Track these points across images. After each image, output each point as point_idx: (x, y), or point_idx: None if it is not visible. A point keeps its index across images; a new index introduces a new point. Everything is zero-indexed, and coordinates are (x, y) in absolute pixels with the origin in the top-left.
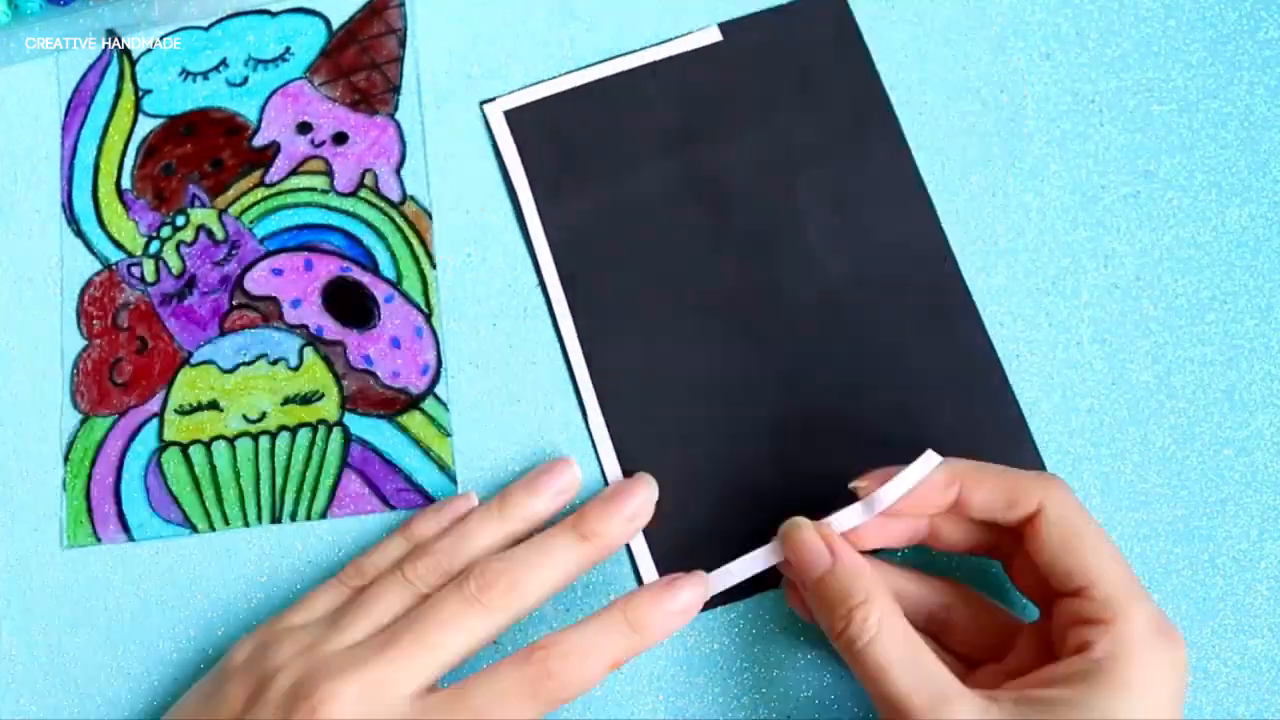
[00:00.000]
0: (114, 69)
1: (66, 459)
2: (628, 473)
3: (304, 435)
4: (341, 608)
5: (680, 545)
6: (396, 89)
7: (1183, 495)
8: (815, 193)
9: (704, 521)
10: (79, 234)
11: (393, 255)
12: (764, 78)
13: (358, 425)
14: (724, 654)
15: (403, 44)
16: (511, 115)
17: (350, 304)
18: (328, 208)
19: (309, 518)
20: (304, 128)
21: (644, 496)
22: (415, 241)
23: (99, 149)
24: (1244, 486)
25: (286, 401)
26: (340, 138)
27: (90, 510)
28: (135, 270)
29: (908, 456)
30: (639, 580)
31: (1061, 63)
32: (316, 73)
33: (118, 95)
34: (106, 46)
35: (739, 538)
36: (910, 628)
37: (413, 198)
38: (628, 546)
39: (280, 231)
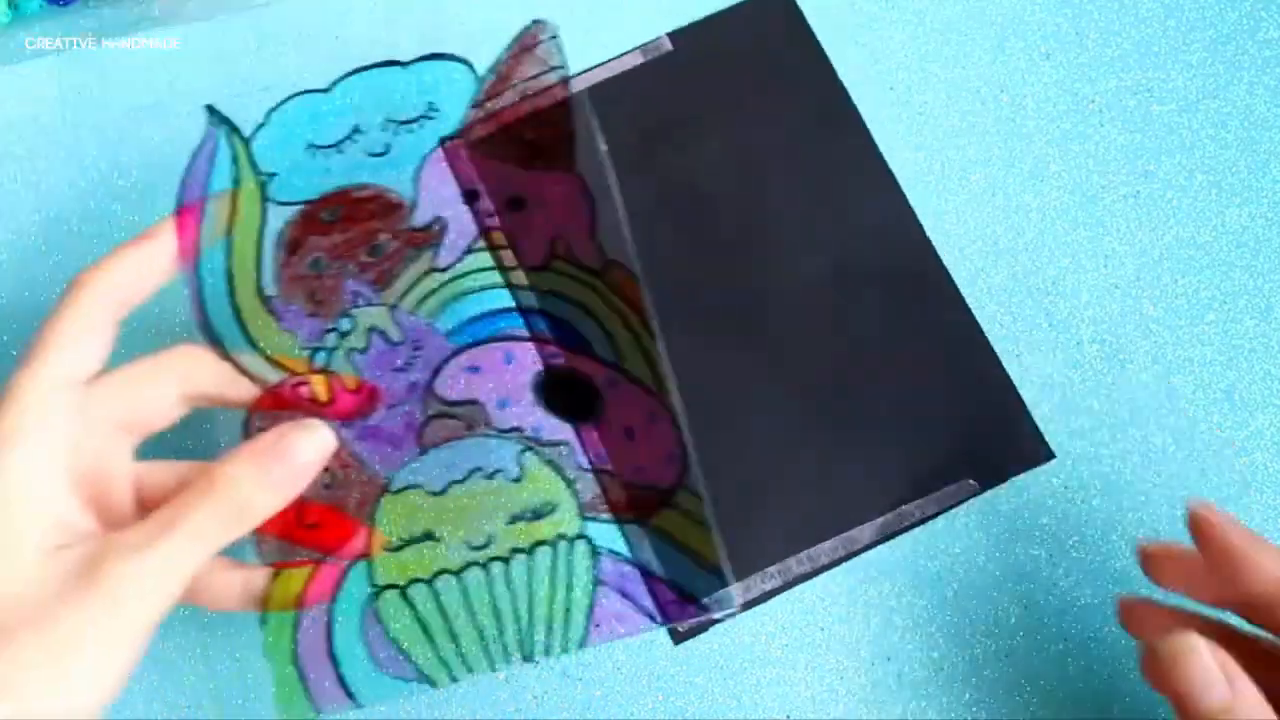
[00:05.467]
0: (224, 152)
1: (263, 621)
2: None
3: (543, 556)
4: None
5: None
6: (571, 137)
7: (1183, 495)
8: (787, 192)
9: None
10: (226, 357)
11: (605, 331)
12: (720, 83)
13: (603, 535)
14: (724, 654)
15: (566, 84)
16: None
17: (568, 396)
18: (517, 287)
19: (565, 650)
20: (471, 196)
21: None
22: (627, 311)
23: (227, 252)
24: (1244, 487)
25: (514, 520)
26: (516, 203)
27: (303, 678)
28: (302, 391)
29: (911, 452)
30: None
31: (1061, 63)
32: (472, 128)
33: (236, 184)
34: (210, 130)
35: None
36: None
37: (615, 261)
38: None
39: (467, 323)
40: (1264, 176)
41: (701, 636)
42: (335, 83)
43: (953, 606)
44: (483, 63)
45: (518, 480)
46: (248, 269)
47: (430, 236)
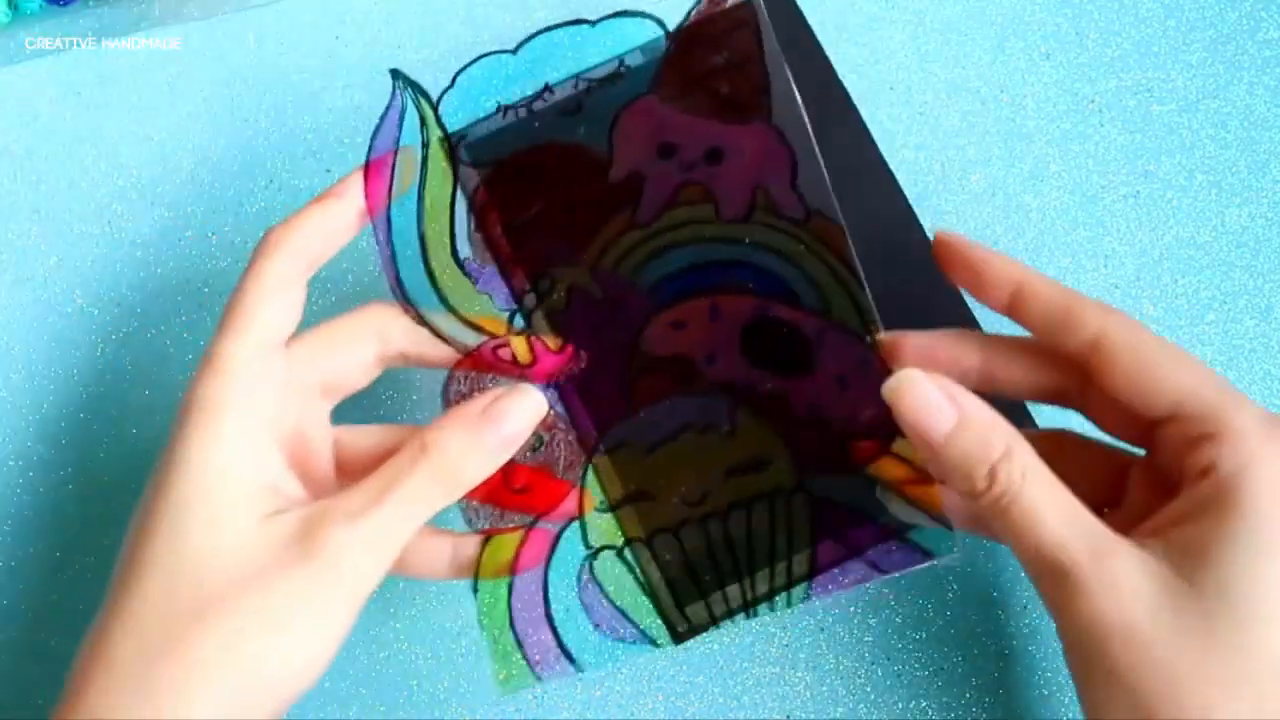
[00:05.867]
0: (411, 116)
1: (475, 589)
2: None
3: (761, 510)
4: None
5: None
6: (766, 89)
7: None
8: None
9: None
10: (422, 321)
11: (812, 281)
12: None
13: (821, 486)
14: (724, 654)
15: (759, 37)
16: None
17: (778, 348)
18: (720, 240)
19: (789, 604)
20: (667, 150)
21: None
22: (833, 260)
23: (419, 215)
24: None
25: (730, 475)
26: (713, 155)
27: (520, 645)
28: (503, 353)
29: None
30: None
31: (1061, 63)
32: (664, 85)
33: (425, 146)
34: (396, 92)
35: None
36: (1053, 476)
37: (818, 211)
38: None
39: (670, 278)
40: (1264, 176)
41: (701, 636)
42: (522, 43)
43: (953, 606)
44: (674, 18)
45: (730, 435)
46: (441, 231)
47: (628, 193)
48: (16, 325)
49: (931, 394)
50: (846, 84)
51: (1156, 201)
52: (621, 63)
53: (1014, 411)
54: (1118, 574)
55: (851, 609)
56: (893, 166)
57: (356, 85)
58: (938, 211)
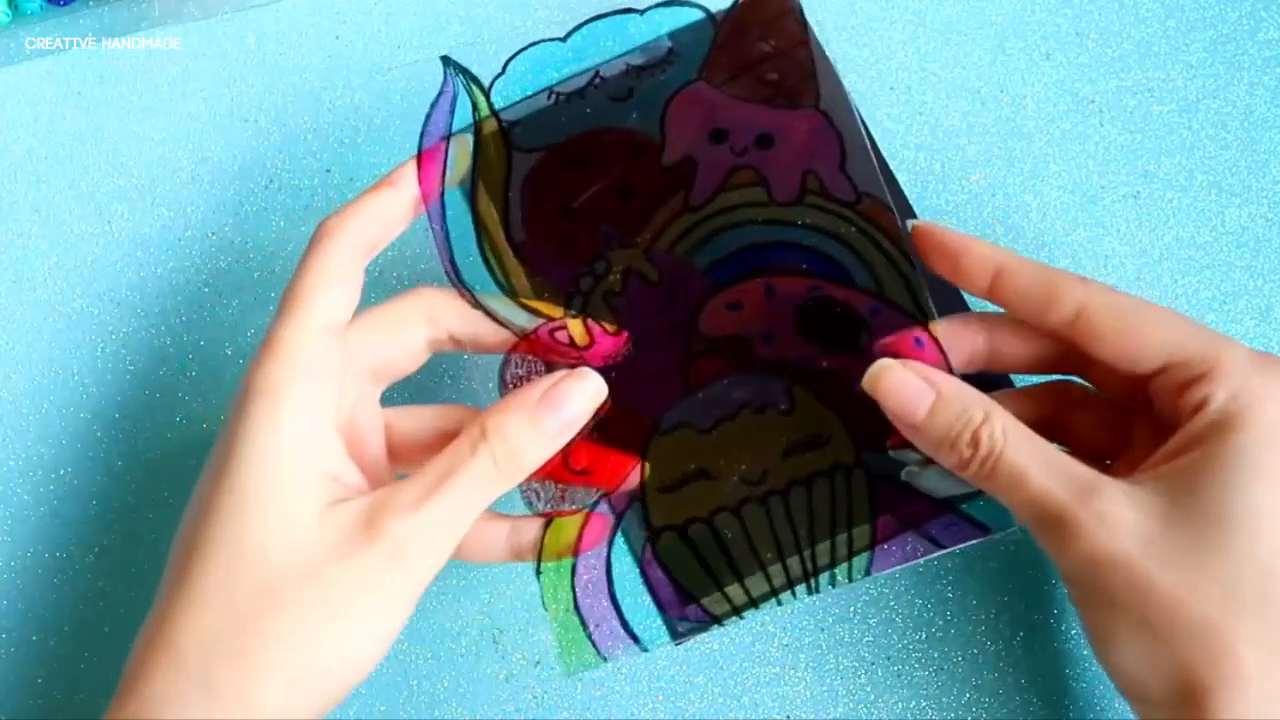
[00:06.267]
0: (463, 102)
1: (538, 572)
2: None
3: (820, 487)
4: None
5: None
6: (812, 75)
7: None
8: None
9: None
10: (478, 304)
11: (863, 261)
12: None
13: (879, 462)
14: (724, 654)
15: (803, 21)
16: None
17: (832, 326)
18: (772, 222)
19: (851, 579)
20: (718, 135)
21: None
22: (884, 241)
23: (473, 201)
24: None
25: (789, 452)
26: (764, 140)
27: (585, 626)
28: (560, 335)
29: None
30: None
31: (1061, 63)
32: (713, 71)
33: (478, 132)
34: (448, 78)
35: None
36: (1031, 431)
37: (867, 194)
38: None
39: (724, 259)
40: (1264, 176)
41: (701, 636)
42: (572, 31)
43: (953, 606)
44: (720, 4)
45: (788, 413)
46: (495, 216)
47: (681, 177)
48: (16, 325)
49: (907, 377)
50: (846, 84)
51: (1156, 201)
52: (671, 50)
53: (997, 382)
54: (1105, 510)
55: (852, 609)
56: (893, 167)
57: (356, 85)
58: (938, 211)
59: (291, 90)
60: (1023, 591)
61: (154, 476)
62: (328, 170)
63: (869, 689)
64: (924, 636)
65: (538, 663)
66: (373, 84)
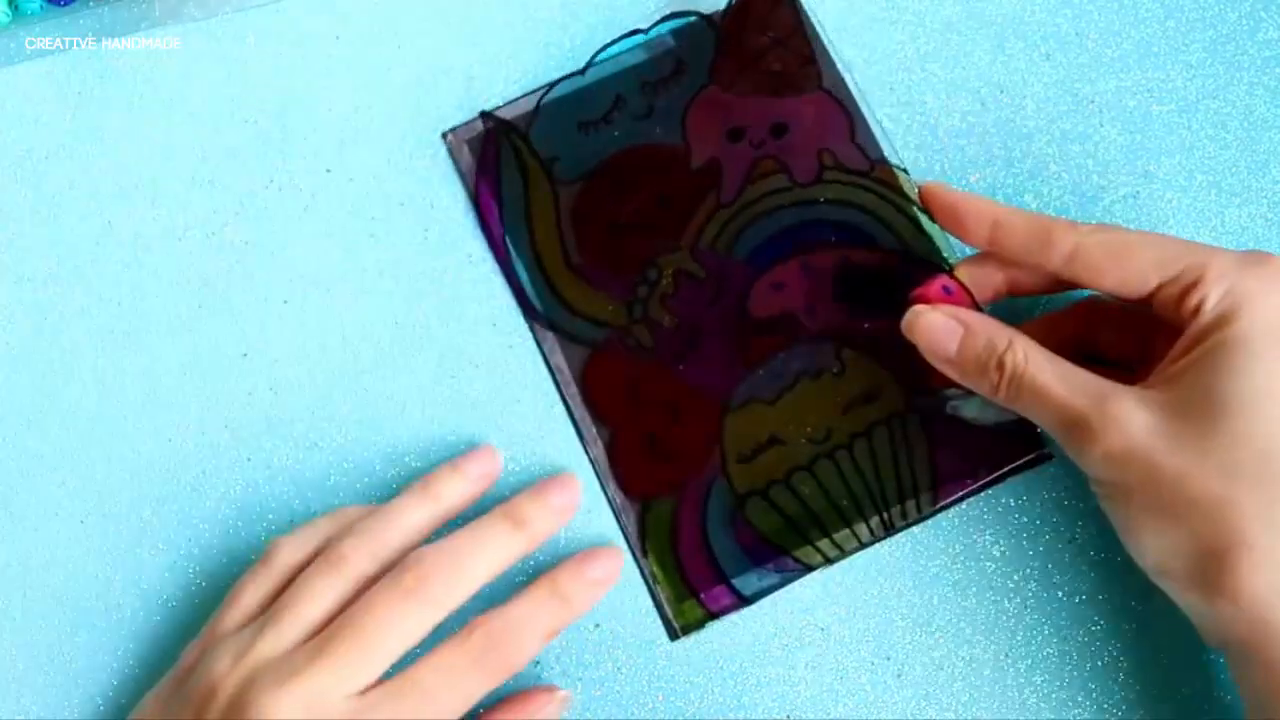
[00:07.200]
0: (507, 149)
1: (645, 552)
2: None
3: (880, 435)
4: (274, 606)
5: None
6: (812, 58)
7: None
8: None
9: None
10: (551, 327)
11: (884, 223)
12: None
13: (928, 404)
14: (724, 654)
15: (796, 9)
16: None
17: (866, 288)
18: (799, 204)
19: (920, 511)
20: (736, 134)
21: (571, 492)
22: (899, 199)
23: (529, 234)
24: None
25: (847, 409)
26: (778, 129)
27: (693, 591)
28: (628, 341)
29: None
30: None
31: (1061, 63)
32: (721, 73)
33: (524, 172)
34: (488, 128)
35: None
36: (1050, 351)
37: (879, 160)
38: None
39: (762, 246)
40: (1264, 176)
41: (701, 636)
42: (588, 63)
43: (953, 606)
44: (716, 8)
45: (841, 374)
46: (553, 246)
47: (709, 178)
48: (16, 325)
49: (937, 318)
50: (846, 82)
51: (1156, 201)
52: (680, 62)
53: None
54: (1118, 412)
55: (851, 609)
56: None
57: (356, 85)
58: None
59: (291, 90)
60: (1021, 592)
61: (154, 477)
62: (328, 170)
63: (869, 689)
64: (924, 636)
65: (538, 663)
66: (373, 84)
